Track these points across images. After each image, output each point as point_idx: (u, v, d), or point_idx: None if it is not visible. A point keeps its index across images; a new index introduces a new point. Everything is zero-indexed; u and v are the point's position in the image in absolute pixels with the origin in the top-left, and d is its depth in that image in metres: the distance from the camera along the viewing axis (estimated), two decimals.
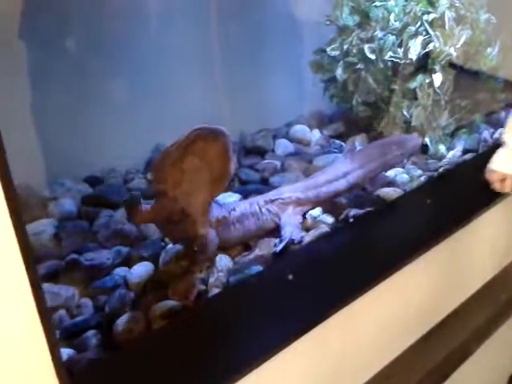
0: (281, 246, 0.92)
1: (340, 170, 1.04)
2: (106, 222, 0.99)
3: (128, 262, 0.91)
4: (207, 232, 0.89)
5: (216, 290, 0.86)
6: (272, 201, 0.98)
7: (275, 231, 0.97)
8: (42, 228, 0.97)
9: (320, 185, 1.02)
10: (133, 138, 1.15)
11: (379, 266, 0.93)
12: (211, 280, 0.87)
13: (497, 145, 1.13)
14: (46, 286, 0.84)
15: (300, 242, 0.96)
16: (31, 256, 0.54)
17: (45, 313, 0.55)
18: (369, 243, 1.00)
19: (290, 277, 0.88)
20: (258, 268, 0.90)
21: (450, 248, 1.04)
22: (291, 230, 0.95)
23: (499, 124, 1.36)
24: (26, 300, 0.54)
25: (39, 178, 1.08)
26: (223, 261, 0.89)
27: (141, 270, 0.88)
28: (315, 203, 1.02)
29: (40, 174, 1.09)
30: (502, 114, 1.41)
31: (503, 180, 1.05)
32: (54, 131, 1.08)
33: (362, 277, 0.90)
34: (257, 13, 1.27)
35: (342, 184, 1.02)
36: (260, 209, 0.97)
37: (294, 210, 0.99)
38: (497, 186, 1.06)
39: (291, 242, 0.94)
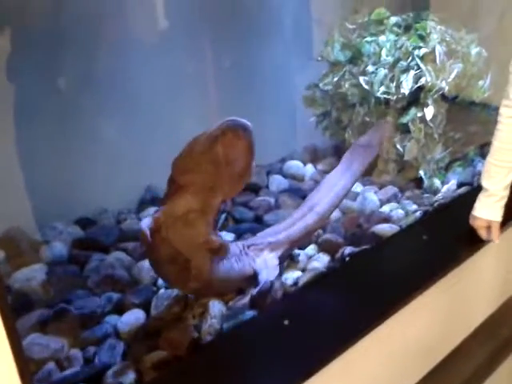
0: (256, 290, 0.89)
1: (307, 204, 1.01)
2: (97, 266, 0.97)
3: (119, 309, 0.88)
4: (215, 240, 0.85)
5: (209, 338, 0.84)
6: (248, 246, 0.95)
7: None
8: (33, 274, 0.95)
9: (290, 224, 0.98)
10: (125, 178, 1.14)
11: (377, 308, 0.90)
12: (204, 327, 0.85)
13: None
14: (35, 336, 0.82)
15: (296, 283, 0.95)
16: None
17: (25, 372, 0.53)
18: (366, 283, 0.98)
19: (286, 322, 0.86)
20: (252, 313, 0.88)
21: (448, 286, 1.03)
22: (266, 274, 0.92)
23: None
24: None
25: (30, 220, 1.07)
26: (216, 306, 0.87)
27: (132, 317, 0.86)
28: (289, 244, 0.97)
29: (31, 216, 1.08)
30: None
31: (488, 227, 1.02)
32: (44, 172, 1.07)
33: (360, 320, 0.88)
34: (249, 49, 1.28)
35: (311, 218, 0.99)
36: (240, 252, 0.94)
37: (269, 253, 0.95)
38: (483, 234, 1.02)
39: (268, 286, 0.90)
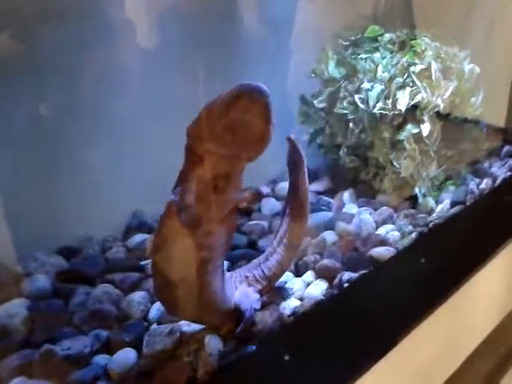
0: (240, 328, 0.84)
1: (277, 237, 0.95)
2: (83, 300, 0.91)
3: (108, 347, 0.83)
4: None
5: (206, 377, 0.79)
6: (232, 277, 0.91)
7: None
8: (15, 310, 0.88)
9: (264, 259, 0.94)
10: (109, 203, 1.09)
11: (379, 338, 0.87)
12: (201, 365, 0.80)
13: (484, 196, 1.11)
14: (18, 381, 0.76)
15: (294, 313, 0.91)
16: None
17: None
18: (366, 310, 0.94)
19: (287, 357, 0.82)
20: (251, 348, 0.84)
21: (448, 309, 1.00)
22: (249, 305, 0.87)
23: (485, 174, 1.35)
24: None
25: (10, 250, 1.01)
26: (213, 342, 0.82)
27: (122, 357, 0.80)
28: (266, 279, 0.92)
29: (11, 246, 1.02)
30: (486, 163, 1.41)
31: None
32: (24, 199, 1.02)
33: (361, 353, 0.84)
34: (238, 68, 1.25)
35: (282, 250, 0.93)
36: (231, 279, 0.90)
37: (246, 287, 0.91)
38: None
39: (250, 322, 0.85)
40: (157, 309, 0.90)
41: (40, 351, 0.80)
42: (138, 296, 0.92)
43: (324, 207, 1.17)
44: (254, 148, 0.79)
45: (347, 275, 0.98)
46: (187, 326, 0.86)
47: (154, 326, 0.87)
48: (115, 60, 1.06)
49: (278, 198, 1.23)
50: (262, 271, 0.92)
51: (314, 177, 1.30)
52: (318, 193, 1.24)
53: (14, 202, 1.01)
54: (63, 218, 1.05)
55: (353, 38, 1.20)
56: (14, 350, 0.82)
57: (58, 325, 0.87)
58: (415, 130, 1.12)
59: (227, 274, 0.89)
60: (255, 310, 0.88)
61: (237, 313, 0.87)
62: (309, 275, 0.98)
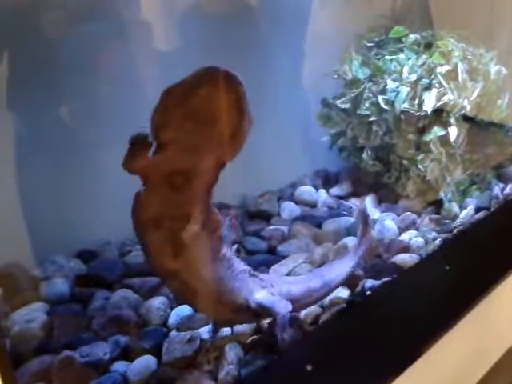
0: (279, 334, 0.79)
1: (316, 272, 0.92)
2: (102, 305, 0.90)
3: (127, 354, 0.82)
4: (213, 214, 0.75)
5: None
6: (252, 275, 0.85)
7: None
8: (33, 314, 0.88)
9: (293, 281, 0.88)
10: (127, 207, 1.08)
11: (403, 348, 0.85)
12: (221, 374, 0.78)
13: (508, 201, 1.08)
14: None
15: (315, 322, 0.89)
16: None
17: None
18: (389, 319, 0.92)
19: (309, 367, 0.80)
20: (272, 357, 0.82)
21: (473, 318, 0.97)
22: (281, 307, 0.80)
23: (510, 179, 1.32)
24: None
25: (29, 254, 1.01)
26: (233, 350, 0.81)
27: (142, 364, 0.79)
28: (288, 297, 0.84)
29: (30, 250, 1.01)
30: (511, 168, 1.37)
31: None
32: (43, 203, 1.01)
33: (386, 362, 0.82)
34: (254, 69, 1.23)
35: (317, 282, 0.87)
36: (244, 272, 0.83)
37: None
38: None
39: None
40: (176, 314, 0.89)
41: (59, 357, 0.79)
42: (158, 301, 0.90)
43: (345, 212, 1.15)
44: (223, 145, 0.69)
45: (370, 282, 0.95)
46: (207, 334, 0.85)
47: (174, 332, 0.85)
48: (141, 61, 1.05)
49: (297, 203, 1.21)
50: (289, 289, 0.85)
51: (334, 181, 1.28)
52: (339, 197, 1.22)
53: (34, 205, 1.01)
54: (82, 221, 1.04)
55: (376, 39, 1.18)
56: (32, 355, 0.82)
57: (77, 330, 0.86)
58: (442, 133, 1.09)
59: (239, 265, 0.82)
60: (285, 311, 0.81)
61: (260, 312, 0.81)
62: None
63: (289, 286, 0.86)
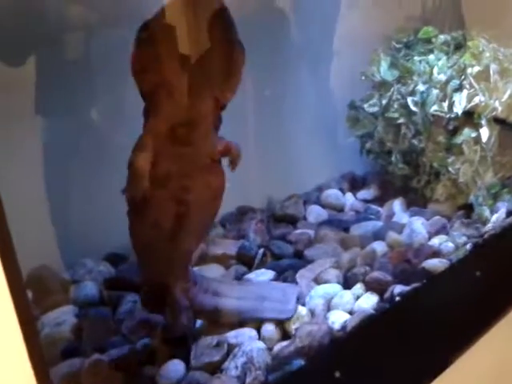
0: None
1: None
2: (130, 308, 0.91)
3: (156, 358, 0.82)
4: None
5: None
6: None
7: None
8: (63, 317, 0.89)
9: None
10: None
11: (433, 356, 0.84)
12: (249, 379, 0.78)
13: None
14: None
15: (344, 327, 0.88)
16: None
17: None
18: (419, 325, 0.90)
19: (337, 374, 0.79)
20: (300, 362, 0.81)
21: (505, 325, 0.95)
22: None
23: None
24: None
25: (59, 257, 1.02)
26: (261, 356, 0.81)
27: (171, 368, 0.79)
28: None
29: (60, 252, 1.03)
30: None
31: None
32: (73, 206, 1.03)
33: (415, 370, 0.81)
34: (281, 72, 1.23)
35: None
36: None
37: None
38: None
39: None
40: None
41: (88, 360, 0.80)
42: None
43: (372, 216, 1.14)
44: (220, 80, 0.63)
45: (399, 288, 0.94)
46: (234, 339, 0.85)
47: (201, 336, 0.86)
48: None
49: (323, 206, 1.20)
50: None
51: (361, 184, 1.27)
52: (366, 201, 1.20)
53: (64, 208, 1.02)
54: (111, 224, 1.05)
55: (405, 40, 1.16)
56: (62, 358, 0.83)
57: (106, 333, 0.87)
58: (473, 134, 1.07)
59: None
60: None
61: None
62: (358, 288, 0.94)
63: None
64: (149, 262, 0.80)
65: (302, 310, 0.88)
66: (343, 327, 0.87)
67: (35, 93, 0.93)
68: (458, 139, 1.08)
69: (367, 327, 0.89)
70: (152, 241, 0.77)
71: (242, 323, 0.86)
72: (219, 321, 0.86)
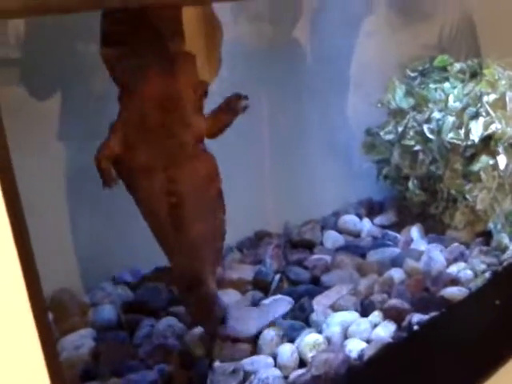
0: None
1: None
2: (148, 333, 0.92)
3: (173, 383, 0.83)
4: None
5: None
6: None
7: None
8: (82, 341, 0.90)
9: None
10: None
11: None
12: None
13: None
14: None
15: (361, 356, 0.87)
16: None
17: None
18: (437, 355, 0.89)
19: None
20: None
21: None
22: None
23: None
24: None
25: (79, 281, 1.04)
26: (277, 382, 0.80)
27: None
28: None
29: (80, 276, 1.05)
30: None
31: None
32: (92, 231, 1.04)
33: None
34: (299, 98, 1.25)
35: None
36: None
37: None
38: None
39: None
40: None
41: None
42: (201, 331, 0.91)
43: (390, 242, 1.13)
44: (199, 60, 0.60)
45: (417, 317, 0.93)
46: (250, 366, 0.85)
47: (217, 363, 0.86)
48: None
49: (340, 232, 1.20)
50: None
51: (378, 210, 1.27)
52: (384, 227, 1.20)
53: (84, 232, 1.04)
54: (130, 247, 1.07)
55: (420, 68, 1.17)
56: (80, 381, 0.84)
57: (124, 357, 0.87)
58: (491, 162, 1.07)
59: None
60: None
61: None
62: (376, 316, 0.94)
63: None
64: (176, 256, 0.79)
65: (319, 338, 0.88)
66: (360, 356, 0.86)
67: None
68: (476, 166, 1.07)
69: (385, 356, 0.88)
70: (169, 236, 0.77)
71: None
72: None
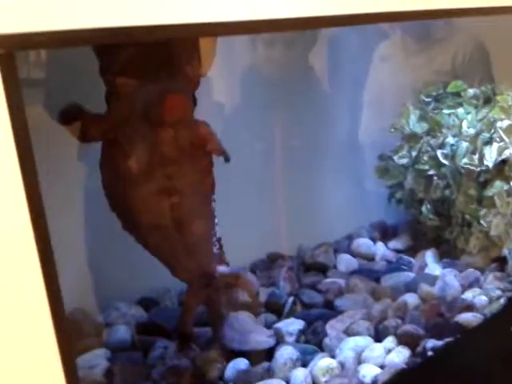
0: None
1: None
2: (161, 354, 0.92)
3: None
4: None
5: None
6: None
7: None
8: (96, 361, 0.91)
9: None
10: None
11: None
12: None
13: None
14: None
15: (374, 382, 0.86)
16: None
17: None
18: (452, 382, 0.89)
19: None
20: None
21: None
22: None
23: None
24: None
25: (94, 301, 1.05)
26: None
27: None
28: None
29: (95, 296, 1.06)
30: None
31: None
32: (107, 251, 1.06)
33: None
34: (314, 121, 1.26)
35: None
36: None
37: None
38: None
39: None
40: (232, 367, 0.89)
41: None
42: (215, 353, 0.91)
43: (404, 267, 1.13)
44: (191, 56, 0.61)
45: (431, 342, 0.92)
46: None
47: None
48: None
49: (354, 255, 1.20)
50: None
51: (392, 233, 1.27)
52: (398, 251, 1.20)
53: (98, 253, 1.06)
54: (143, 269, 1.07)
55: (434, 94, 1.19)
56: None
57: (138, 378, 0.88)
58: (505, 187, 1.07)
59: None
60: None
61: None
62: (390, 341, 0.93)
63: None
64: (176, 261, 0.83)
65: (332, 362, 0.88)
66: (374, 382, 0.86)
67: None
68: (490, 191, 1.07)
69: (399, 382, 0.87)
70: (166, 241, 0.79)
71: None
72: None
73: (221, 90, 1.13)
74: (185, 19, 0.48)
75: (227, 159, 0.78)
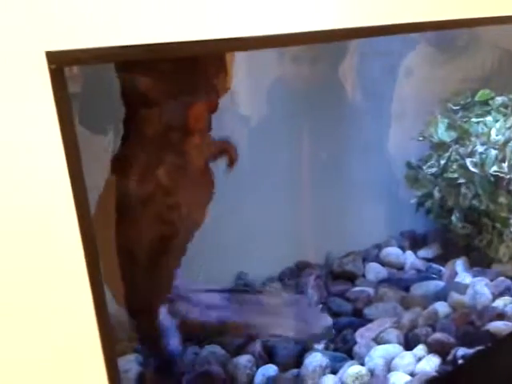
0: None
1: None
2: (192, 360, 0.94)
3: None
4: None
5: None
6: None
7: None
8: (129, 365, 0.93)
9: None
10: (214, 264, 1.12)
11: None
12: None
13: None
14: None
15: None
16: None
17: None
18: None
19: None
20: None
21: None
22: None
23: None
24: None
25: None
26: None
27: None
28: None
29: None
30: None
31: None
32: None
33: None
34: (342, 131, 1.27)
35: None
36: None
37: None
38: None
39: None
40: (262, 374, 0.90)
41: None
42: (244, 359, 0.92)
43: (434, 275, 1.12)
44: (211, 79, 0.61)
45: (462, 351, 0.91)
46: None
47: None
48: None
49: (382, 264, 1.20)
50: None
51: (421, 242, 1.26)
52: (427, 260, 1.19)
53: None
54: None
55: (462, 102, 1.18)
56: None
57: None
58: None
59: None
60: None
61: None
62: (420, 349, 0.93)
63: None
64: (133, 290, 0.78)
65: (362, 370, 0.88)
66: None
67: None
68: None
69: None
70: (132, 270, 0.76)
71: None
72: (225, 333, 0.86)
73: (252, 103, 1.16)
74: (211, 35, 0.50)
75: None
